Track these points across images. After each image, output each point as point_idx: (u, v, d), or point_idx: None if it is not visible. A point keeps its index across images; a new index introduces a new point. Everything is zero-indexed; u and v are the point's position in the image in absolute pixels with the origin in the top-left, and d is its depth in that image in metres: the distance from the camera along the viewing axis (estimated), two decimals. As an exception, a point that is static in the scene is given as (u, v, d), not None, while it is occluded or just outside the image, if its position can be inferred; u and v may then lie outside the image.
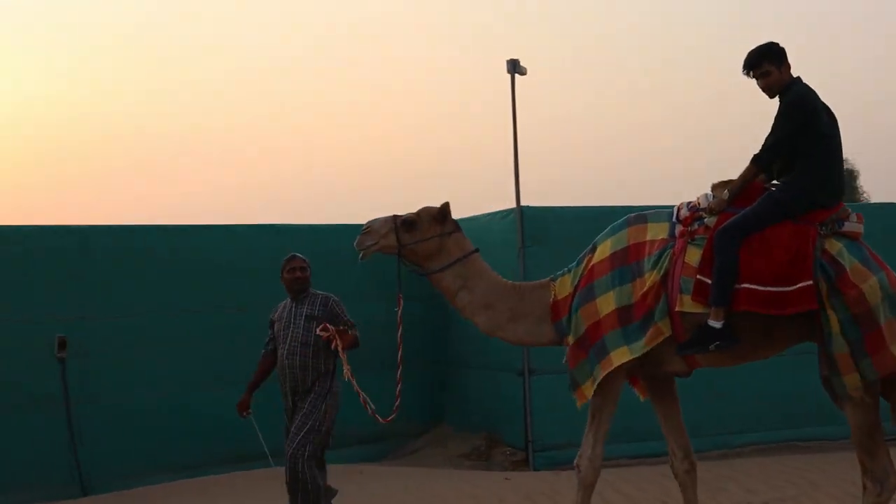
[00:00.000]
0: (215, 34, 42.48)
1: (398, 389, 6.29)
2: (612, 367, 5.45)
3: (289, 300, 6.99)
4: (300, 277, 6.91)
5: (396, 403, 6.33)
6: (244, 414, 7.04)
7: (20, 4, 37.93)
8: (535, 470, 10.56)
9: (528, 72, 11.86)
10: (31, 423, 9.89)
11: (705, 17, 49.12)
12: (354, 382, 6.48)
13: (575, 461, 5.74)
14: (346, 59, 45.03)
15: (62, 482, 9.95)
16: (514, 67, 11.75)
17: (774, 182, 5.58)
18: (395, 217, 6.02)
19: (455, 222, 6.07)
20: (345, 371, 6.59)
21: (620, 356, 5.44)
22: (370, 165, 42.20)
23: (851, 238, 5.30)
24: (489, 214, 11.76)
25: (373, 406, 6.47)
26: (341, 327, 6.73)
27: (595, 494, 7.43)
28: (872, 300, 5.07)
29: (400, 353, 6.25)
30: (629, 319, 5.46)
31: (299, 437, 6.64)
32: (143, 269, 10.77)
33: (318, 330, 6.66)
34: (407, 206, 6.19)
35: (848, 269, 5.13)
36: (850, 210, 5.38)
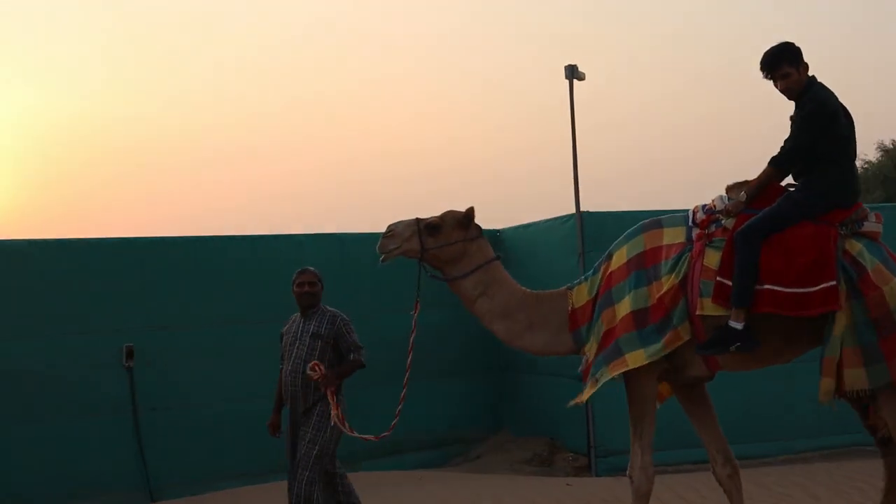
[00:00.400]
0: (279, 50, 42.86)
1: (402, 394, 5.99)
2: (626, 369, 5.37)
3: (298, 315, 6.85)
4: (308, 292, 6.76)
5: (398, 409, 5.99)
6: (276, 435, 6.90)
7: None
8: (597, 476, 10.54)
9: (587, 76, 11.87)
10: (99, 430, 10.18)
11: (763, 20, 48.51)
12: (345, 426, 6.26)
13: (627, 471, 5.67)
14: (400, 64, 45.13)
15: (131, 489, 10.22)
16: (573, 73, 11.76)
17: (792, 182, 5.50)
18: (418, 220, 5.89)
19: (479, 227, 5.96)
20: (332, 415, 6.32)
21: (636, 359, 5.36)
22: (427, 171, 42.22)
23: (870, 238, 5.22)
24: (549, 220, 11.78)
25: (367, 436, 6.15)
26: (330, 372, 6.46)
27: (657, 501, 7.44)
28: (893, 302, 4.95)
29: (409, 359, 5.98)
30: (645, 322, 5.38)
31: (309, 463, 6.46)
32: (209, 279, 10.96)
33: (307, 369, 6.47)
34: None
35: (870, 271, 5.02)
36: (868, 210, 5.29)
